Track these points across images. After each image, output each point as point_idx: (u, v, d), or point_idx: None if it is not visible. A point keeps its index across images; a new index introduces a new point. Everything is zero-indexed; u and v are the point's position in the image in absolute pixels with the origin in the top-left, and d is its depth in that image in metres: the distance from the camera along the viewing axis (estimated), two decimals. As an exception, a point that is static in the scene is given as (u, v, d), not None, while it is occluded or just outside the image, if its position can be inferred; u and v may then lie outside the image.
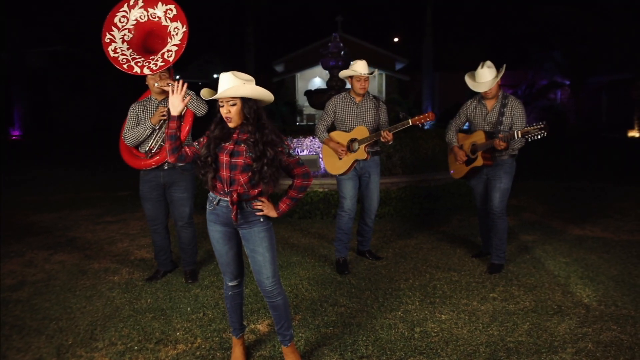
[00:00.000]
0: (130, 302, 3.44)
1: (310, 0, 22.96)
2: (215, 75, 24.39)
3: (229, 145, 2.35)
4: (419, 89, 21.16)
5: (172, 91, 2.44)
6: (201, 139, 2.44)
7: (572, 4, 17.02)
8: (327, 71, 8.29)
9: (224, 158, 2.33)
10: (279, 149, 2.34)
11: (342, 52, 7.96)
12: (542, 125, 3.47)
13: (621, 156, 11.99)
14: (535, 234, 5.00)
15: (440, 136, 8.18)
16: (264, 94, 2.34)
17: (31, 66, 20.70)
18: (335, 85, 7.65)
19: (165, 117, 3.57)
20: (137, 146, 3.70)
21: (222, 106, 2.31)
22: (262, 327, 3.04)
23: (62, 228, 5.63)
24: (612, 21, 16.10)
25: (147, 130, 3.60)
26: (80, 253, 4.63)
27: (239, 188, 2.33)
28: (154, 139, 3.64)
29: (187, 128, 3.64)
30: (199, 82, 23.69)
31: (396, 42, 26.71)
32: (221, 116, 2.34)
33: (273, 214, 2.39)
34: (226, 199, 2.36)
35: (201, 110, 3.58)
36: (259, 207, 2.37)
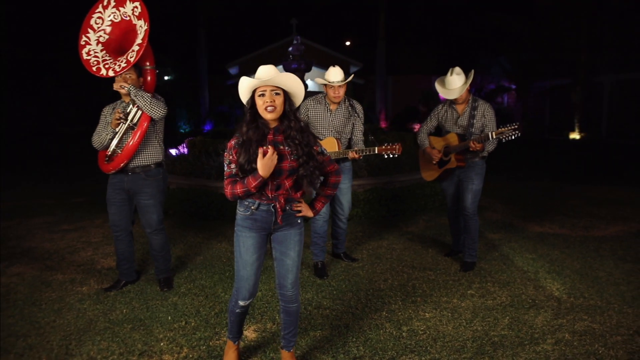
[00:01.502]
0: (105, 314, 3.28)
1: (263, 2, 22.84)
2: (166, 78, 23.71)
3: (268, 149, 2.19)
4: (373, 92, 21.52)
5: (262, 154, 2.15)
6: (232, 152, 2.23)
7: (516, 12, 17.92)
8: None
9: None
10: (315, 148, 2.30)
11: (304, 55, 7.97)
12: (516, 126, 3.62)
13: (564, 157, 12.70)
14: (500, 232, 5.21)
15: (403, 138, 8.38)
16: (301, 92, 2.27)
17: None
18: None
19: (120, 121, 3.42)
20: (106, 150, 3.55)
21: (262, 95, 2.18)
22: (249, 333, 2.98)
23: (14, 238, 5.29)
24: (553, 29, 17.08)
25: (109, 135, 3.46)
26: (39, 264, 4.36)
27: (284, 192, 2.27)
28: (112, 144, 3.49)
29: (143, 129, 3.43)
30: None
31: (349, 45, 27.04)
32: (252, 116, 2.21)
33: (310, 213, 2.38)
34: (267, 203, 2.27)
35: (157, 112, 3.41)
36: (298, 209, 2.34)
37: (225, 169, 2.27)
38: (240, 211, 2.34)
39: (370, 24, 21.61)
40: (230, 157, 2.24)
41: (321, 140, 3.96)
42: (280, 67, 8.75)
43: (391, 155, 3.75)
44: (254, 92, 2.23)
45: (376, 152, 3.76)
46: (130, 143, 3.43)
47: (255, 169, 2.17)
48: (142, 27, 3.34)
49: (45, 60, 17.94)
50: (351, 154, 3.79)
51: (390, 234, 5.21)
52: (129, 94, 3.43)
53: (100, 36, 3.44)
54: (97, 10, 3.46)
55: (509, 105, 19.81)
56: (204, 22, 20.45)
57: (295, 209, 2.34)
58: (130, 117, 3.44)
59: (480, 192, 3.99)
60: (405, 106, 20.44)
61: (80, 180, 9.35)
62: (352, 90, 21.04)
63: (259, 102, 2.19)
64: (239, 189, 2.21)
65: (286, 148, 2.25)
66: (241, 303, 2.41)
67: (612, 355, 2.65)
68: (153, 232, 3.67)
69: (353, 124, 4.05)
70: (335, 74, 3.88)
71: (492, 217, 5.89)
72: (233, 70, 20.94)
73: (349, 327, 3.02)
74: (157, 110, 3.41)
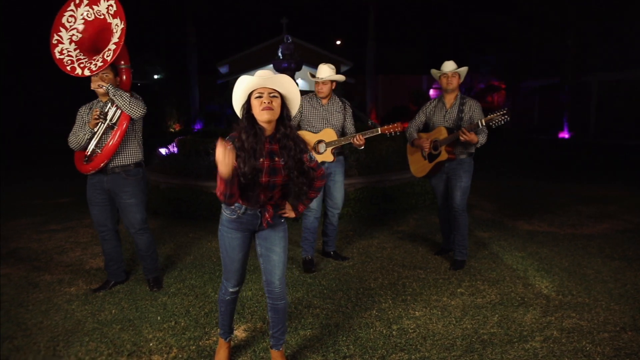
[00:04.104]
0: (93, 314, 3.25)
1: (254, 1, 22.78)
2: (155, 76, 23.54)
3: (265, 162, 2.20)
4: (363, 91, 21.56)
5: (217, 147, 1.97)
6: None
7: (503, 11, 18.03)
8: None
9: (263, 178, 2.19)
10: (305, 155, 2.31)
11: (293, 55, 7.96)
12: (505, 111, 3.69)
13: (553, 156, 12.82)
14: (490, 230, 5.24)
15: (393, 138, 8.38)
16: (298, 99, 2.27)
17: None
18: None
19: (99, 120, 3.38)
20: (84, 150, 3.50)
21: (260, 97, 2.14)
22: (239, 332, 2.97)
23: (0, 238, 5.21)
24: (540, 29, 17.22)
25: (87, 134, 3.41)
26: (27, 264, 4.31)
27: (273, 202, 2.33)
28: (90, 144, 3.44)
29: (122, 129, 3.40)
30: (138, 84, 22.77)
31: (339, 45, 27.06)
32: (249, 122, 2.17)
33: (292, 215, 2.43)
34: (254, 209, 2.29)
35: (136, 112, 3.39)
36: (282, 211, 2.38)
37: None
38: (226, 213, 2.35)
39: (361, 23, 21.64)
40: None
41: (317, 132, 4.05)
42: (270, 66, 8.73)
43: (394, 133, 3.95)
44: (249, 95, 2.20)
45: (379, 132, 3.95)
46: (110, 143, 3.40)
47: (258, 177, 2.17)
48: (118, 25, 3.29)
49: (29, 56, 17.71)
50: (357, 136, 3.90)
51: (380, 233, 5.22)
52: (107, 94, 3.39)
53: (73, 35, 3.39)
54: (69, 9, 3.39)
55: (498, 104, 19.94)
56: (193, 20, 20.34)
57: (280, 211, 2.39)
58: (109, 117, 3.41)
59: (468, 189, 4.02)
60: (395, 105, 20.53)
61: (67, 180, 9.24)
62: (343, 89, 21.07)
63: (256, 103, 2.16)
64: (220, 189, 2.18)
65: (281, 160, 2.24)
66: (231, 289, 2.48)
67: (599, 352, 2.68)
68: (137, 232, 3.63)
69: (344, 115, 4.16)
70: (323, 71, 4.06)
71: (481, 216, 5.92)
72: (223, 69, 20.86)
73: (339, 326, 3.02)
74: (137, 109, 3.39)
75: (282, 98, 2.22)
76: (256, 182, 2.19)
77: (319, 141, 4.03)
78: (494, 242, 4.79)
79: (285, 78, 2.17)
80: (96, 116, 3.36)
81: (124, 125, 3.41)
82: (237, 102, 2.25)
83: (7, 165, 11.79)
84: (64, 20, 3.44)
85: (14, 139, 18.09)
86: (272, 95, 2.16)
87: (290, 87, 2.21)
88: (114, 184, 3.50)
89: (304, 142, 2.32)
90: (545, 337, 2.85)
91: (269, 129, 2.23)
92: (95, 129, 3.41)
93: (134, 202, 3.55)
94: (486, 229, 5.31)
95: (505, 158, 11.89)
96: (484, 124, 3.75)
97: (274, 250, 2.38)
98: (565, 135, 17.37)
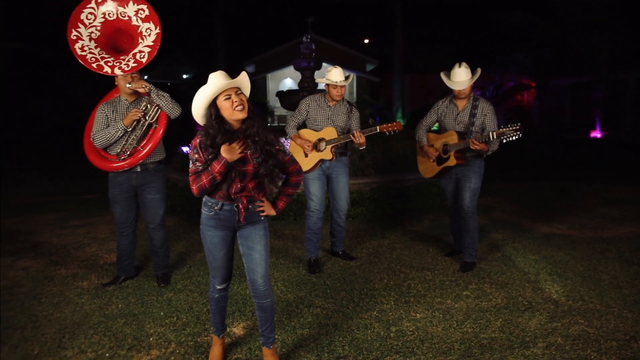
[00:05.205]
0: (101, 308, 3.34)
1: (281, 1, 22.88)
2: (185, 76, 24.01)
3: None
4: (390, 91, 21.37)
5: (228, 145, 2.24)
6: (195, 152, 2.28)
7: (533, 8, 17.54)
8: (298, 72, 8.28)
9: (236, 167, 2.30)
10: (277, 147, 2.36)
11: (313, 54, 7.97)
12: (518, 127, 3.55)
13: (584, 156, 12.39)
14: (505, 232, 5.12)
15: (411, 137, 8.23)
16: (249, 87, 2.39)
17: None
18: (307, 87, 7.64)
19: (137, 119, 3.50)
20: (106, 148, 3.60)
21: (229, 98, 2.24)
22: (238, 330, 3.00)
23: (25, 233, 5.42)
24: (573, 25, 16.66)
25: (119, 132, 3.50)
26: (45, 259, 4.47)
27: (247, 194, 2.35)
28: (125, 141, 3.55)
29: (161, 132, 3.58)
30: (168, 83, 23.26)
31: (367, 43, 26.91)
32: (219, 123, 2.25)
33: (273, 212, 2.45)
34: (230, 203, 2.34)
35: (176, 112, 3.52)
36: (261, 208, 2.41)
37: (191, 166, 2.33)
38: (204, 211, 2.42)
39: (387, 22, 21.45)
40: (196, 155, 2.28)
41: (320, 130, 4.07)
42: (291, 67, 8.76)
43: (392, 132, 3.93)
44: (215, 100, 2.27)
45: (377, 130, 3.94)
46: (152, 141, 3.55)
47: (232, 174, 2.27)
48: (151, 30, 3.41)
49: (66, 58, 18.32)
50: (356, 134, 3.89)
51: (392, 233, 5.17)
52: (134, 93, 3.54)
53: (92, 32, 3.48)
54: (89, 6, 3.48)
55: (528, 103, 19.42)
56: (221, 20, 20.60)
57: (258, 208, 2.41)
58: (149, 116, 3.55)
59: (478, 190, 3.93)
60: (423, 104, 20.24)
61: (93, 177, 9.51)
62: (368, 88, 20.97)
63: (226, 105, 2.25)
64: (204, 179, 2.27)
65: (249, 151, 2.31)
66: (218, 287, 2.52)
67: (603, 361, 2.58)
68: (156, 227, 3.74)
69: (350, 117, 4.15)
70: (337, 74, 4.03)
71: (499, 217, 5.79)
72: (249, 69, 21.05)
73: (337, 326, 3.01)
74: (177, 109, 3.52)
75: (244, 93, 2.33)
76: (229, 174, 2.29)
77: (320, 139, 4.04)
78: (508, 244, 4.68)
79: (244, 75, 2.30)
80: (138, 116, 3.48)
81: (164, 125, 3.57)
82: (201, 107, 2.30)
83: (41, 163, 12.24)
84: (82, 16, 3.52)
85: (50, 137, 18.79)
86: (238, 93, 2.27)
87: (245, 81, 2.33)
88: (143, 180, 3.62)
89: (274, 134, 2.38)
90: (548, 344, 2.76)
91: (236, 124, 2.31)
92: (130, 127, 3.51)
93: (159, 197, 3.69)
94: (502, 230, 5.19)
95: (533, 158, 11.56)
96: (494, 137, 3.66)
97: (254, 249, 2.40)
98: (597, 134, 16.76)
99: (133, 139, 3.53)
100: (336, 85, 4.01)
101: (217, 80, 2.24)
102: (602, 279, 3.75)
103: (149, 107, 3.56)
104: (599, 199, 6.69)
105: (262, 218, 2.45)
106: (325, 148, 4.00)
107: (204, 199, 2.42)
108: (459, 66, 3.87)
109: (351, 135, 3.91)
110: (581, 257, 4.25)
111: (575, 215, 5.80)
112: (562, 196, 7.05)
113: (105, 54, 3.46)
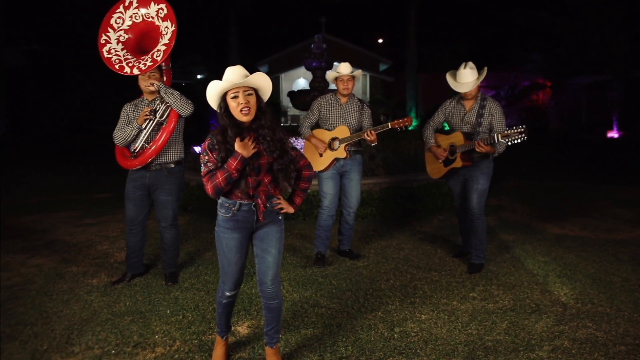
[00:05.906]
0: (109, 306, 3.39)
1: (294, 1, 22.94)
2: (199, 76, 24.21)
3: None
4: (403, 90, 21.28)
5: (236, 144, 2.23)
6: (205, 154, 2.29)
7: (548, 7, 17.30)
8: (310, 72, 8.29)
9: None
10: (287, 144, 2.37)
11: (325, 53, 7.97)
12: (522, 130, 3.50)
13: (600, 156, 12.20)
14: (515, 233, 5.06)
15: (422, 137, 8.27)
16: (270, 87, 2.35)
17: (9, 65, 20.28)
18: (319, 86, 7.66)
19: (149, 117, 3.54)
20: (128, 146, 3.67)
21: (236, 97, 2.23)
22: (242, 329, 3.02)
23: (39, 231, 5.53)
24: (588, 23, 16.38)
25: (134, 131, 3.56)
26: (58, 256, 4.55)
27: (264, 189, 2.34)
28: (139, 140, 3.60)
29: (172, 126, 3.58)
30: (183, 83, 23.50)
31: (380, 43, 26.84)
32: (229, 118, 2.26)
33: (291, 209, 2.45)
34: (248, 202, 2.33)
35: (186, 110, 3.54)
36: (279, 206, 2.40)
37: (203, 168, 2.32)
38: (221, 213, 2.38)
39: (401, 21, 21.35)
40: (207, 157, 2.29)
41: (333, 129, 4.11)
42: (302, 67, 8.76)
43: (403, 128, 3.95)
44: (225, 95, 2.27)
45: (389, 127, 3.95)
46: (160, 140, 3.56)
47: (247, 169, 2.26)
48: (168, 28, 3.45)
49: (85, 59, 18.62)
50: (368, 132, 3.91)
51: (401, 234, 5.15)
52: (154, 92, 3.58)
53: (120, 35, 3.57)
54: (117, 10, 3.58)
55: (544, 102, 19.16)
56: (235, 20, 20.72)
57: (277, 206, 2.40)
58: (158, 114, 3.58)
59: (486, 191, 3.89)
60: (437, 104, 20.12)
61: (107, 176, 9.66)
62: (382, 88, 20.90)
63: (233, 104, 2.25)
64: (219, 177, 2.25)
65: (262, 146, 2.30)
66: (227, 293, 2.49)
67: (610, 365, 2.54)
68: (167, 226, 3.78)
69: (361, 115, 4.17)
70: (344, 67, 4.09)
71: (509, 218, 5.73)
72: (263, 69, 21.16)
73: (341, 327, 3.01)
74: (187, 107, 3.53)
75: (257, 92, 2.30)
76: (244, 170, 2.28)
77: (334, 138, 4.07)
78: (518, 245, 4.62)
79: (256, 75, 2.25)
80: (147, 113, 3.52)
81: (173, 123, 3.59)
82: (212, 100, 2.33)
83: (58, 162, 12.45)
84: (112, 21, 3.64)
85: (68, 136, 19.12)
86: (247, 93, 2.24)
87: (263, 81, 2.29)
88: (155, 180, 3.66)
89: (284, 132, 2.38)
90: (554, 347, 2.73)
91: (247, 122, 2.30)
92: (143, 126, 3.56)
93: (171, 199, 3.72)
94: (512, 231, 5.13)
95: (548, 158, 11.41)
96: (499, 139, 3.61)
97: (269, 252, 2.39)
98: (614, 134, 16.47)
99: (144, 137, 3.58)
100: (343, 79, 4.06)
101: (227, 76, 2.25)
102: (613, 281, 3.69)
103: (159, 105, 3.60)
104: (614, 200, 6.58)
105: (280, 217, 2.43)
106: (339, 147, 4.02)
107: (219, 201, 2.38)
108: (464, 67, 3.82)
109: (364, 134, 3.92)
110: (592, 259, 4.19)
111: (589, 216, 5.71)
112: (575, 197, 6.95)
113: (130, 56, 3.54)
